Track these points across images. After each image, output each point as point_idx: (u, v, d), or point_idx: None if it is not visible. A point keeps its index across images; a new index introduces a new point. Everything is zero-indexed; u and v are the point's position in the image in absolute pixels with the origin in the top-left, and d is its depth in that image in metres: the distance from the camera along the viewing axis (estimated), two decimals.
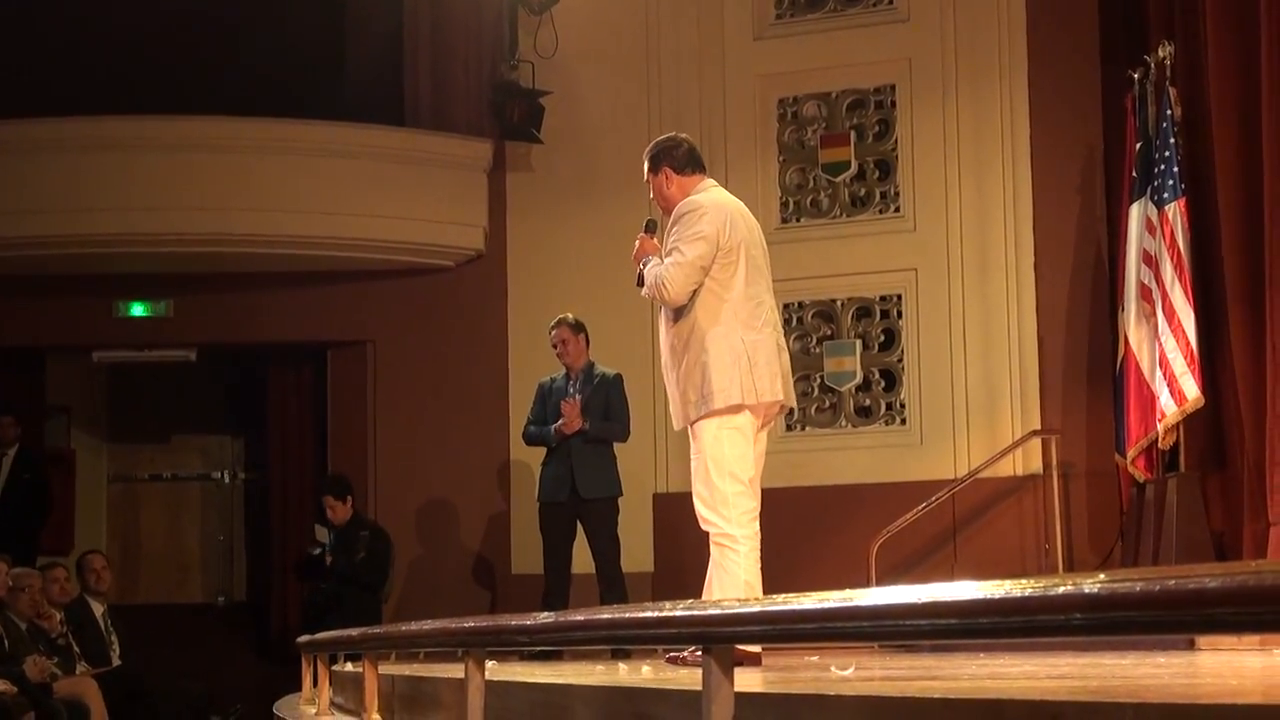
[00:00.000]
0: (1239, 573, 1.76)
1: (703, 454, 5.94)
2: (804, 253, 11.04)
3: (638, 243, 6.20)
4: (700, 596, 5.93)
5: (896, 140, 11.28)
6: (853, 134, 11.42)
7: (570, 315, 9.86)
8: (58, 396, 13.27)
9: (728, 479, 5.89)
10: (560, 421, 9.60)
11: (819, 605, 2.55)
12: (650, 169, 6.21)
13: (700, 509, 5.94)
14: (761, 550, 5.94)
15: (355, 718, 6.32)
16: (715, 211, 6.03)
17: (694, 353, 5.96)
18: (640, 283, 6.10)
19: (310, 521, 11.79)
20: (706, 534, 6.00)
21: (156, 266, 11.67)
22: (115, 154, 11.24)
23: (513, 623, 3.92)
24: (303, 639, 8.06)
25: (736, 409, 5.93)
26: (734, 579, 5.81)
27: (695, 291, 5.96)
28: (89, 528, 13.19)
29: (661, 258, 6.03)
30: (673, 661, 5.79)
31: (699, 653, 5.42)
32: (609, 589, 9.50)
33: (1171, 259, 9.05)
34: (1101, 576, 1.95)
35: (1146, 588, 1.86)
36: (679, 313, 6.01)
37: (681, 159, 6.22)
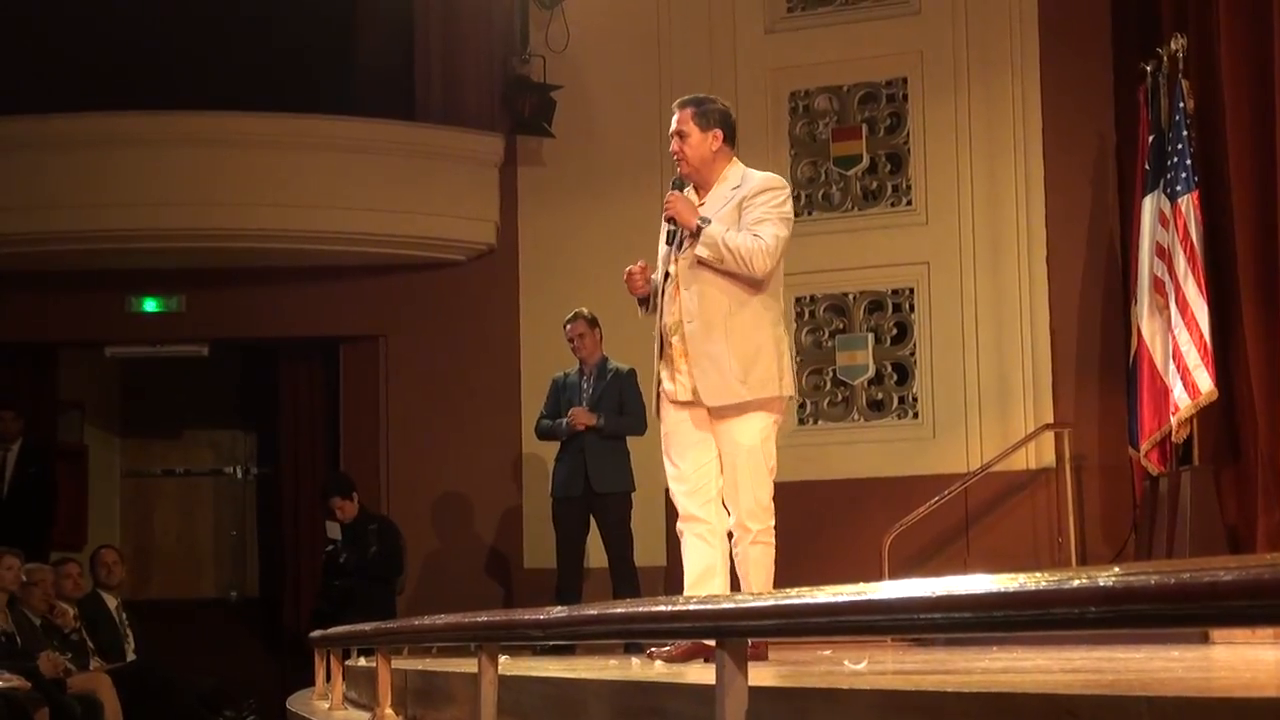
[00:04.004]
0: (1253, 565, 1.76)
1: (753, 448, 5.59)
2: (816, 246, 10.99)
3: (673, 199, 5.73)
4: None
5: (908, 133, 11.26)
6: (865, 127, 11.41)
7: (586, 309, 9.86)
8: (70, 392, 13.27)
9: (772, 480, 5.66)
10: (570, 416, 9.63)
11: (832, 599, 2.54)
12: (700, 123, 5.78)
13: (754, 507, 5.58)
14: (775, 544, 5.84)
15: (368, 712, 6.33)
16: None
17: (746, 329, 5.59)
18: (672, 241, 5.67)
19: (322, 516, 11.80)
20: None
21: (168, 262, 11.68)
22: (126, 149, 11.24)
23: (526, 617, 3.92)
24: (316, 634, 8.08)
25: (784, 403, 5.73)
26: (771, 576, 5.67)
27: None
28: (102, 523, 13.18)
29: (702, 220, 5.61)
30: (652, 656, 5.65)
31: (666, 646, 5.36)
32: (622, 583, 9.50)
33: (1184, 252, 9.03)
34: (1116, 570, 1.95)
35: (1161, 581, 1.86)
36: (733, 280, 5.60)
37: (730, 131, 5.90)
